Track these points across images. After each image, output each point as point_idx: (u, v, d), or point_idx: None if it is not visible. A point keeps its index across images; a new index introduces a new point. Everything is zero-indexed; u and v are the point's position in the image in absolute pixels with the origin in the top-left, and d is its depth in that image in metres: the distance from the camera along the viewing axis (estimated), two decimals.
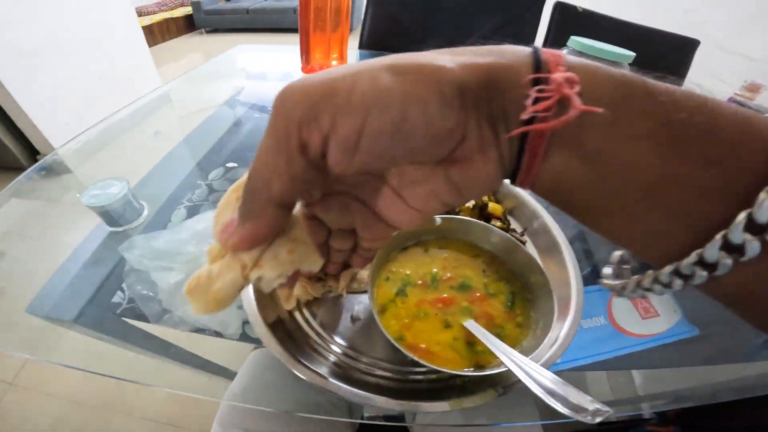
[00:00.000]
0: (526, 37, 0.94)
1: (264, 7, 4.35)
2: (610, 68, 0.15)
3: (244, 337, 0.31)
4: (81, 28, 1.90)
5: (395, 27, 0.96)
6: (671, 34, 1.10)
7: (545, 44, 0.96)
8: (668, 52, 1.05)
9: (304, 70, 0.73)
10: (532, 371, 0.22)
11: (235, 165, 0.45)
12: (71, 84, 1.88)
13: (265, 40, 4.18)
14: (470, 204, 0.37)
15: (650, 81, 0.15)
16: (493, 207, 0.37)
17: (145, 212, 0.40)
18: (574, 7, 0.92)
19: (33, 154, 1.78)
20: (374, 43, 0.98)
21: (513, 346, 0.23)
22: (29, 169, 0.48)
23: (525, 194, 0.37)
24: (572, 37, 0.63)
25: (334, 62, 0.72)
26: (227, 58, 0.93)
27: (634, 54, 0.61)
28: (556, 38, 0.95)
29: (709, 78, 1.23)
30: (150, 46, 4.03)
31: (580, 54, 0.62)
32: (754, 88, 0.94)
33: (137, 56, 2.32)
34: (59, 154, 0.53)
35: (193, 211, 0.40)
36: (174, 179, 0.45)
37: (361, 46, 0.98)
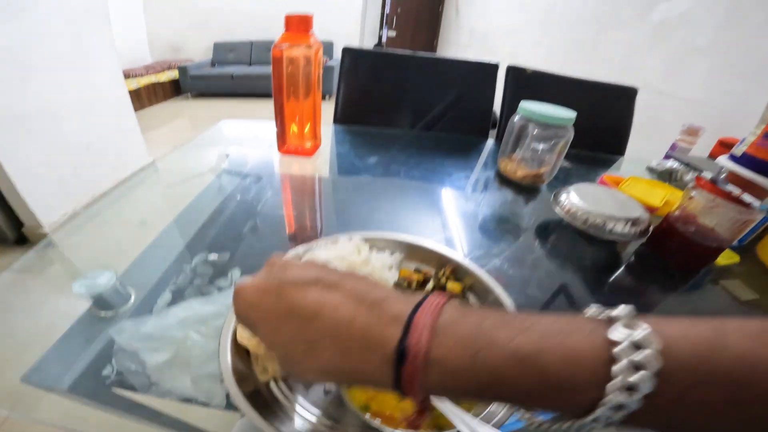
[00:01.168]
0: (485, 102, 1.05)
1: (248, 74, 4.58)
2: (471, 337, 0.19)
3: (230, 406, 0.33)
4: (71, 95, 1.97)
5: (366, 99, 1.05)
6: (612, 84, 1.21)
7: (502, 105, 1.06)
8: (613, 102, 1.16)
9: (281, 150, 0.79)
10: (483, 429, 0.25)
11: (215, 257, 0.50)
12: (59, 153, 1.90)
13: (249, 107, 4.35)
14: (429, 286, 0.42)
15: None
16: (451, 286, 0.41)
17: (132, 298, 0.45)
18: (524, 70, 1.03)
19: (17, 225, 1.77)
20: (347, 117, 1.06)
21: (468, 410, 0.26)
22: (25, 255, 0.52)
23: (480, 271, 0.41)
24: (521, 104, 0.72)
25: (308, 143, 0.78)
26: (214, 131, 0.99)
27: (574, 114, 0.69)
28: (512, 98, 1.05)
29: (653, 122, 1.35)
30: (136, 110, 4.17)
31: (529, 120, 0.70)
32: (693, 132, 1.04)
33: (125, 126, 2.39)
34: (54, 241, 0.57)
35: (177, 295, 0.44)
36: (159, 264, 0.50)
37: (335, 121, 1.06)
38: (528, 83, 1.05)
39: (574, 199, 0.60)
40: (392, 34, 5.30)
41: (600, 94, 1.15)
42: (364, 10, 5.10)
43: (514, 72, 1.04)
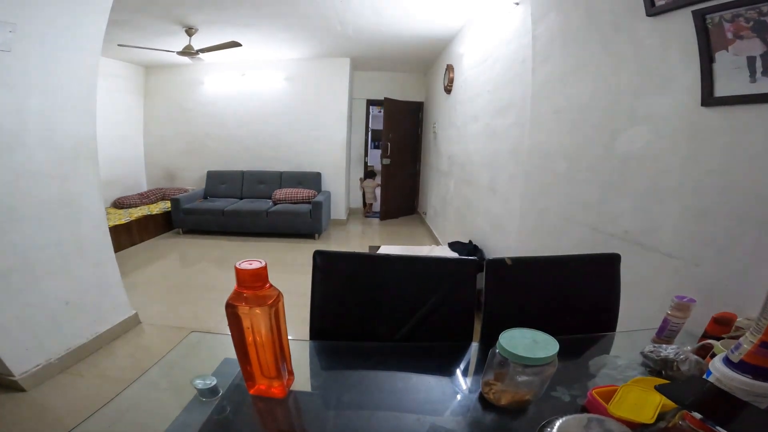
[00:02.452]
0: (465, 305, 1.01)
1: (238, 209, 4.75)
2: None
3: None
4: (52, 250, 1.96)
5: (342, 308, 1.01)
6: (592, 255, 1.20)
7: (486, 299, 1.01)
8: (597, 270, 1.14)
9: (250, 390, 0.71)
10: None
11: None
12: (36, 310, 1.88)
13: (237, 247, 4.38)
14: None
15: None
16: None
17: (220, 393, 0.64)
18: (502, 260, 1.01)
19: None
20: (323, 330, 1.02)
21: None
22: None
23: None
24: (500, 339, 0.66)
25: (277, 384, 0.71)
26: (184, 347, 0.93)
27: (557, 348, 0.64)
28: (495, 291, 1.02)
29: (639, 284, 1.30)
30: (126, 247, 4.21)
31: (504, 360, 0.64)
32: (683, 308, 0.97)
33: (107, 279, 2.34)
34: None
35: None
36: None
37: (311, 337, 1.01)
38: (509, 273, 1.02)
39: None
40: (387, 161, 5.61)
41: (584, 264, 1.13)
42: (349, 140, 5.53)
43: (493, 264, 1.02)
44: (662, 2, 1.36)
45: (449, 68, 4.14)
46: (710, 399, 0.56)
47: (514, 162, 2.49)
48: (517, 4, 2.40)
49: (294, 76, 5.26)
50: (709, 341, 0.87)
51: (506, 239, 2.52)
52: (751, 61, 1.11)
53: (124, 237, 4.19)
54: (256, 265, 0.60)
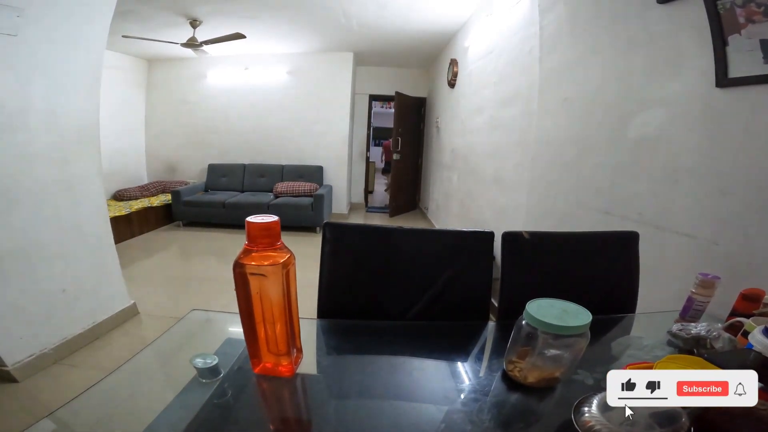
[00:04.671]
0: (482, 276, 0.96)
1: (239, 201, 4.71)
2: None
3: None
4: (51, 235, 1.92)
5: (351, 285, 0.97)
6: (611, 232, 1.16)
7: (502, 274, 0.97)
8: (615, 248, 1.10)
9: (255, 369, 0.66)
10: None
11: None
12: (31, 297, 1.83)
13: (238, 240, 4.29)
14: None
15: None
16: None
17: (222, 374, 0.62)
18: (520, 234, 0.97)
19: None
20: (331, 308, 0.97)
21: None
22: None
23: None
24: (527, 308, 0.62)
25: (286, 362, 0.66)
26: (184, 323, 0.88)
27: (589, 318, 0.59)
28: (511, 267, 0.98)
29: (658, 265, 1.26)
30: (126, 238, 4.17)
31: (533, 331, 0.59)
32: (708, 285, 0.94)
33: (106, 267, 2.29)
34: None
35: None
36: None
37: (319, 315, 0.96)
38: (526, 246, 0.98)
39: (598, 417, 0.49)
40: (397, 157, 5.55)
41: (601, 242, 1.09)
42: (351, 135, 5.49)
43: (510, 237, 0.98)
44: None
45: (453, 62, 4.11)
46: (761, 367, 0.53)
47: (521, 151, 2.45)
48: None
49: (297, 70, 5.22)
50: (739, 319, 0.83)
51: (513, 228, 2.47)
52: (764, 43, 1.13)
53: (123, 228, 4.14)
54: (268, 219, 0.56)
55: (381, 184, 8.40)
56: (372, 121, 6.28)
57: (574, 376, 0.67)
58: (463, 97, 3.82)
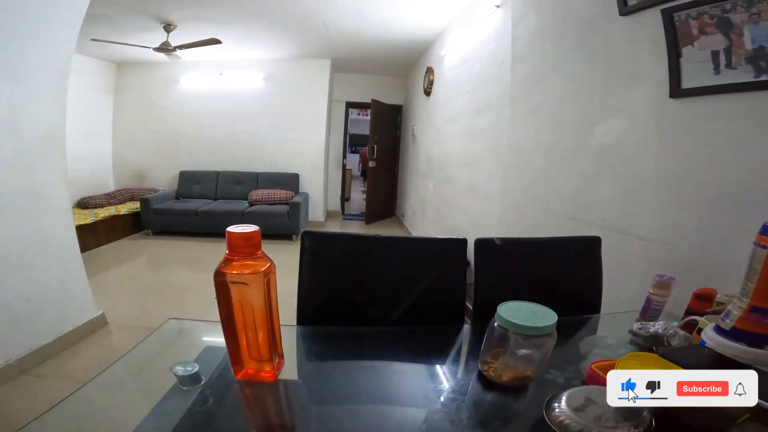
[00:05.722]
0: (457, 281, 1.00)
1: (212, 210, 4.61)
2: None
3: None
4: (15, 245, 1.84)
5: (330, 293, 0.98)
6: (576, 237, 1.23)
7: (476, 279, 1.01)
8: (579, 253, 1.16)
9: (237, 376, 0.67)
10: None
11: None
12: None
13: (212, 249, 4.19)
14: None
15: None
16: None
17: (202, 382, 0.63)
18: (492, 240, 1.01)
19: None
20: (310, 316, 0.98)
21: None
22: None
23: None
24: (499, 311, 0.65)
25: (268, 367, 0.67)
26: (162, 333, 0.87)
27: (555, 318, 0.64)
28: (484, 270, 1.02)
29: (619, 268, 1.34)
30: (92, 248, 4.01)
31: (504, 332, 0.63)
32: (664, 285, 1.01)
33: (72, 277, 2.21)
34: None
35: None
36: None
37: (299, 322, 0.97)
38: (497, 252, 1.03)
39: (567, 412, 0.52)
40: (373, 164, 5.59)
41: (566, 249, 1.15)
42: (327, 142, 5.49)
43: (482, 244, 1.02)
44: (634, 2, 1.43)
45: (429, 71, 4.20)
46: (712, 363, 0.58)
47: (494, 159, 2.53)
48: (498, 6, 2.45)
49: (273, 76, 5.19)
50: (694, 317, 0.89)
51: (487, 234, 2.55)
52: (714, 54, 1.19)
53: (89, 237, 3.97)
54: (249, 229, 0.58)
55: (358, 191, 8.41)
56: (348, 128, 6.31)
57: (545, 375, 0.71)
58: (439, 105, 3.90)
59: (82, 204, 4.55)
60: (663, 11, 1.32)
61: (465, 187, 3.04)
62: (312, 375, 0.76)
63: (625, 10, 1.48)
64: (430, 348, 0.86)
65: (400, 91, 5.97)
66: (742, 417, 0.50)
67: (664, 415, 0.51)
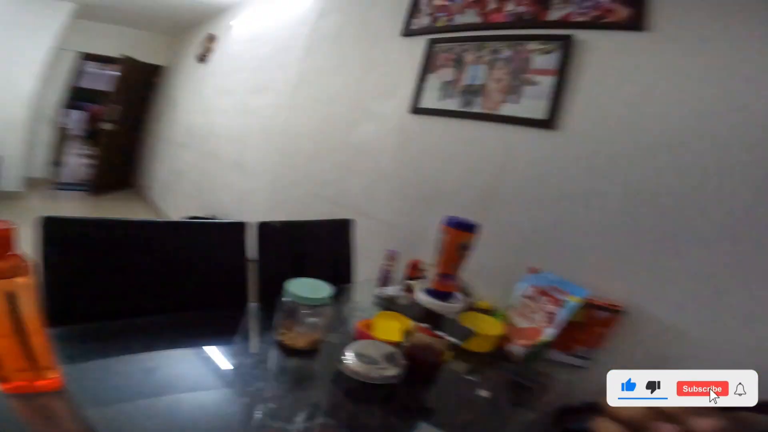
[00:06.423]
0: (238, 262, 1.06)
1: None
2: None
3: None
4: None
5: (90, 287, 0.84)
6: (335, 219, 1.48)
7: (260, 260, 1.09)
8: (338, 232, 1.42)
9: (6, 390, 0.53)
10: None
11: None
12: None
13: None
14: None
15: None
16: None
17: None
18: (273, 224, 1.12)
19: None
20: (64, 316, 0.80)
21: None
22: None
23: None
24: (288, 287, 0.77)
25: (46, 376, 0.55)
26: None
27: (331, 288, 0.81)
28: (267, 251, 1.11)
29: (367, 244, 1.69)
30: None
31: (294, 305, 0.77)
32: (391, 257, 1.35)
33: None
34: None
35: None
36: None
37: (51, 324, 0.78)
38: (278, 235, 1.14)
39: (352, 359, 0.69)
40: (111, 127, 4.51)
41: (329, 230, 1.39)
42: (40, 95, 4.05)
43: (263, 227, 1.11)
44: (414, 28, 1.77)
45: (211, 37, 3.79)
46: (426, 315, 0.88)
47: (266, 140, 2.60)
48: None
49: None
50: (409, 281, 1.26)
51: (254, 213, 2.60)
52: (444, 84, 1.58)
53: None
54: None
55: (75, 156, 6.46)
56: (80, 82, 4.84)
57: (329, 336, 0.86)
58: (215, 75, 3.61)
59: None
60: (429, 40, 1.67)
61: (232, 163, 2.96)
62: (94, 378, 0.64)
63: (406, 32, 1.79)
64: (221, 330, 0.88)
65: (164, 50, 5.01)
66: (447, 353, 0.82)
67: (407, 355, 0.75)
